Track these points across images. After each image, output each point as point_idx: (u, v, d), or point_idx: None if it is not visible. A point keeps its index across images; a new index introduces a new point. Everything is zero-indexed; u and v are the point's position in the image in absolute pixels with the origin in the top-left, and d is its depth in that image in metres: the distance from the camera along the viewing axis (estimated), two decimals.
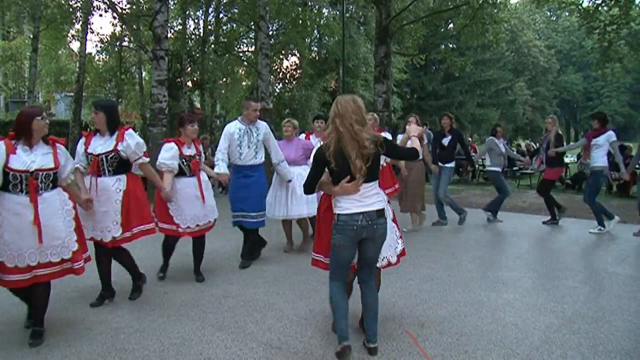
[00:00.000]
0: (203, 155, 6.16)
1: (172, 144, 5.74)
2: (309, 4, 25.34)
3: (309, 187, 3.98)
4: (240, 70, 27.62)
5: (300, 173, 6.90)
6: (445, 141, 9.25)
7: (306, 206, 7.04)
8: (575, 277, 6.09)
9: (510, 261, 6.92)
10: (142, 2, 22.58)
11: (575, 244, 8.05)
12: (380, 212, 3.87)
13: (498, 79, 44.82)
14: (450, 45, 36.70)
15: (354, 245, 3.87)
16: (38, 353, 4.07)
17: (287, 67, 29.73)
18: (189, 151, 5.82)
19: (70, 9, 20.76)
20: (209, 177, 6.32)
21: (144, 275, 5.42)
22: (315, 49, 31.37)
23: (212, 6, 25.17)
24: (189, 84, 25.36)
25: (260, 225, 6.72)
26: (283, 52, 26.86)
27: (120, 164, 4.94)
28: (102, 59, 27.53)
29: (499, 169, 10.03)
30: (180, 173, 5.76)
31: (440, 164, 9.19)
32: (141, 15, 19.13)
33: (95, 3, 20.26)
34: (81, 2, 20.63)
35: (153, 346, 4.18)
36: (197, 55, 24.83)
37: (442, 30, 31.27)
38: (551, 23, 68.97)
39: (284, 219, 7.37)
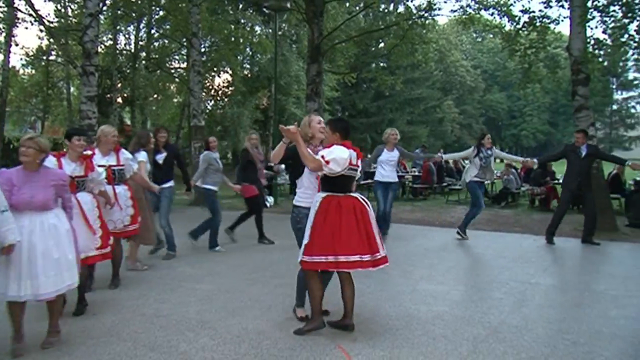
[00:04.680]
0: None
1: None
2: (242, 21, 25.48)
3: None
4: (171, 87, 27.41)
5: (55, 225, 4.39)
6: (160, 158, 7.95)
7: (67, 274, 4.39)
8: (500, 289, 6.36)
9: (440, 275, 7.13)
10: (71, 15, 22.18)
11: (500, 256, 8.36)
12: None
13: (427, 97, 46.15)
14: (381, 64, 37.48)
15: None
16: None
17: (219, 84, 29.77)
18: None
19: None
20: None
21: None
22: (248, 66, 31.51)
23: (144, 22, 24.98)
24: (119, 100, 24.99)
25: None
26: (215, 69, 26.88)
27: None
28: (28, 73, 26.83)
29: (215, 188, 8.78)
30: None
31: (156, 185, 7.48)
32: (70, 30, 18.74)
33: (20, 15, 19.65)
34: (4, 13, 19.99)
35: None
36: (128, 71, 24.57)
37: (373, 49, 31.92)
38: (477, 44, 71.34)
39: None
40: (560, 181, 15.14)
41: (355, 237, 4.48)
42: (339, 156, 4.50)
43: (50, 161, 4.86)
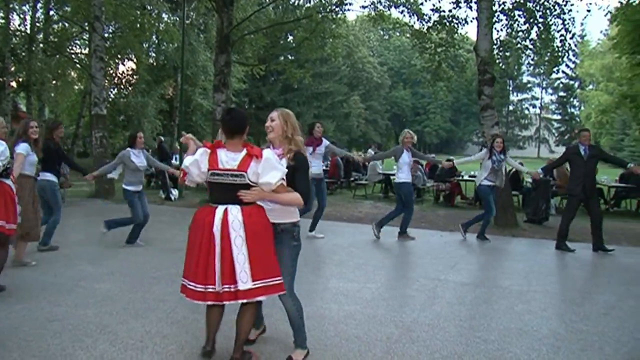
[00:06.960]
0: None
1: None
2: (148, 7, 24.61)
3: None
4: (72, 73, 26.19)
5: None
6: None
7: None
8: (411, 286, 6.36)
9: (350, 272, 7.07)
10: None
11: (409, 253, 8.46)
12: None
13: (334, 92, 46.67)
14: (290, 57, 37.42)
15: None
16: None
17: (123, 72, 28.79)
18: None
19: None
20: None
21: None
22: (153, 54, 30.70)
23: (41, 2, 23.67)
24: (13, 84, 23.59)
25: None
26: (119, 56, 25.87)
27: None
28: None
29: (135, 188, 8.04)
30: None
31: None
32: None
33: None
34: None
35: None
36: (23, 54, 23.22)
37: (282, 42, 31.79)
38: (384, 42, 72.95)
39: None
40: (467, 178, 15.62)
41: (192, 261, 3.72)
42: (186, 163, 3.80)
43: None
